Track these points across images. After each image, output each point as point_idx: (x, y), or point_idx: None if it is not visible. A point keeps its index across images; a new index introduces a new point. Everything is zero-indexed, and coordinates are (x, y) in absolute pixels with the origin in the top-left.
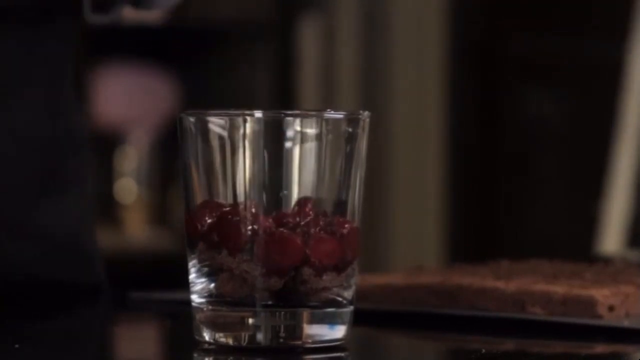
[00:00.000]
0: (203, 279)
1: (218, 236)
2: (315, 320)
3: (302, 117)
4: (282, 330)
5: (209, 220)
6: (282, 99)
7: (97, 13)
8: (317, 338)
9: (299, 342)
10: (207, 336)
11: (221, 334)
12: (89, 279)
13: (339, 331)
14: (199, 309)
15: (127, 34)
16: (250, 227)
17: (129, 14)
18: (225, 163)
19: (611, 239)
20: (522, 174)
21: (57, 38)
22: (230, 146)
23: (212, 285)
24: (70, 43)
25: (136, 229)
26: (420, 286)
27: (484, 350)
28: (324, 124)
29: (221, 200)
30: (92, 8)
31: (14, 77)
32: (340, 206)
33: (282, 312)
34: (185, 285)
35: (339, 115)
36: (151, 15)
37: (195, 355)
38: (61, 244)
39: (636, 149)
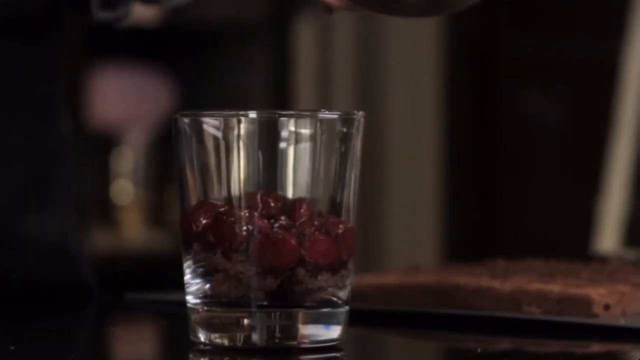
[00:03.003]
0: (198, 280)
1: (213, 237)
2: (310, 320)
3: (297, 117)
4: (277, 330)
5: (204, 221)
6: (278, 100)
7: (105, 10)
8: (313, 338)
9: (295, 343)
10: (202, 337)
11: (217, 335)
12: (78, 284)
13: (334, 331)
14: (194, 309)
15: (123, 35)
16: (245, 228)
17: (137, 11)
18: (220, 164)
19: (608, 237)
20: (519, 172)
21: (47, 47)
22: (224, 147)
23: (208, 286)
24: (61, 51)
25: (132, 230)
26: (416, 286)
27: (479, 350)
28: (318, 124)
29: (216, 200)
30: (101, 5)
31: (2, 87)
32: (335, 206)
33: (278, 313)
34: (180, 286)
35: (334, 115)
36: (160, 12)
37: (190, 356)
38: (48, 250)
39: (633, 147)
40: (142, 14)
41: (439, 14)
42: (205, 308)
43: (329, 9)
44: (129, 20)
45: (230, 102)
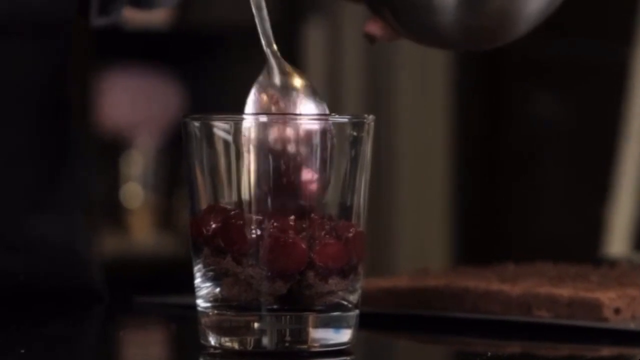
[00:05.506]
0: (208, 284)
1: (223, 241)
2: (320, 324)
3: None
4: (287, 334)
5: (214, 225)
6: None
7: (100, 16)
8: (323, 342)
9: (305, 346)
10: (212, 341)
11: (227, 339)
12: (86, 287)
13: (344, 335)
14: (204, 313)
15: (132, 38)
16: (255, 232)
17: (130, 15)
18: (230, 167)
19: (617, 241)
20: (528, 176)
21: (57, 49)
22: (235, 150)
23: (218, 289)
24: (69, 53)
25: (142, 234)
26: (426, 289)
27: (489, 354)
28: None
29: (226, 204)
30: (98, 12)
31: (11, 88)
32: (345, 210)
33: (288, 316)
34: (190, 289)
35: (344, 119)
36: (151, 16)
37: (201, 359)
38: (57, 253)
39: None
40: (151, 17)
41: (477, 48)
42: (216, 312)
43: (372, 39)
44: (120, 24)
45: (240, 105)
